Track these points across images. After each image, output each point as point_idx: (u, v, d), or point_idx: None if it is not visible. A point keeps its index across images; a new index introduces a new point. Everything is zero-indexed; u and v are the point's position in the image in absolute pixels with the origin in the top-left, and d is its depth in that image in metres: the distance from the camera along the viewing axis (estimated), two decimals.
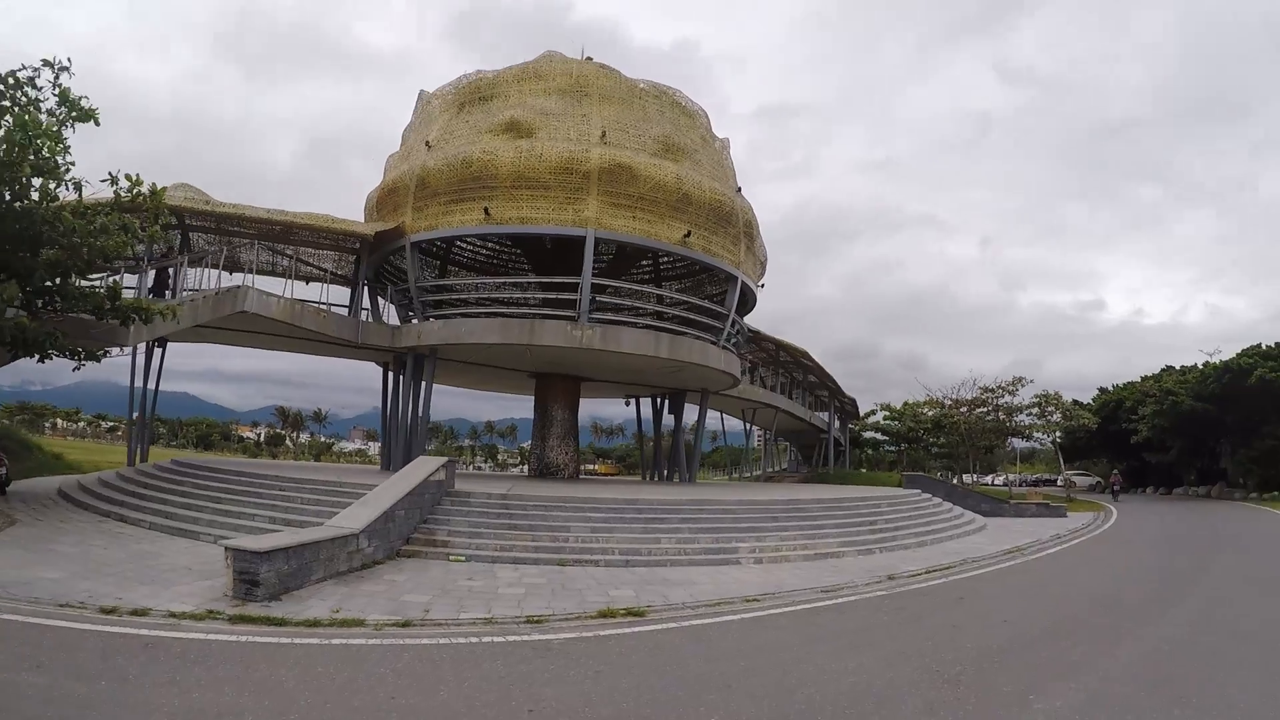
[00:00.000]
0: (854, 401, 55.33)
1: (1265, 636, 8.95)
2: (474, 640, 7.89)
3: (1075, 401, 54.10)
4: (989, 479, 61.59)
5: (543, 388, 29.33)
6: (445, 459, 16.59)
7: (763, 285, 29.94)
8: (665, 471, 35.51)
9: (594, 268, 29.59)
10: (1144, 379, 51.93)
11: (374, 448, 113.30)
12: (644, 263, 32.10)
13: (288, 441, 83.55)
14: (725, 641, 8.20)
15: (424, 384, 26.60)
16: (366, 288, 27.92)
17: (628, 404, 35.51)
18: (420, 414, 26.72)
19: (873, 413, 62.01)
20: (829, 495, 21.31)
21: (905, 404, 53.84)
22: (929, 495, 25.70)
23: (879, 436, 62.31)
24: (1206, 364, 45.62)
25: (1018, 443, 48.02)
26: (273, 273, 29.54)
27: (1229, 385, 42.14)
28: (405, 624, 8.46)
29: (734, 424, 48.92)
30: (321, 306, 26.25)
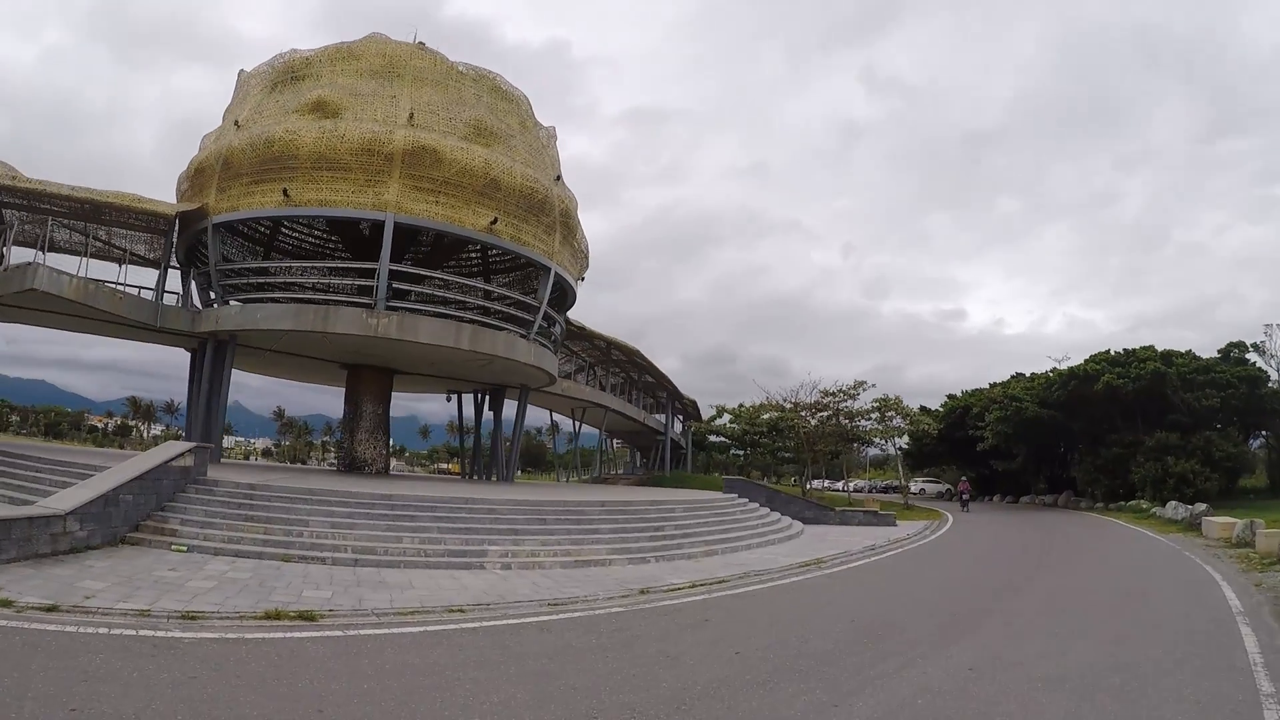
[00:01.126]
0: (694, 404, 54.48)
1: (1046, 698, 6.30)
2: (102, 631, 6.96)
3: (922, 408, 53.64)
4: (840, 485, 60.84)
5: (353, 380, 27.80)
6: (193, 444, 15.19)
7: (582, 279, 28.70)
8: (485, 471, 33.78)
9: (417, 256, 28.11)
10: (992, 385, 50.37)
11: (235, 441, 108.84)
12: (471, 253, 30.79)
13: (136, 432, 79.10)
14: (377, 657, 6.85)
15: (222, 371, 24.55)
16: (181, 271, 26.30)
17: (449, 399, 33.78)
18: (217, 402, 24.67)
19: (716, 416, 59.85)
20: (622, 498, 19.98)
21: (741, 406, 50.40)
22: (746, 501, 24.78)
23: (725, 440, 59.71)
24: (1054, 370, 44.36)
25: (870, 449, 47.02)
26: (93, 255, 27.29)
27: (1075, 391, 41.12)
28: (51, 608, 7.57)
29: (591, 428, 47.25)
30: (119, 288, 24.59)
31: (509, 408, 31.66)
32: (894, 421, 40.04)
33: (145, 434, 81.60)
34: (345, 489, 15.37)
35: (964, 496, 37.89)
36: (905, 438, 44.04)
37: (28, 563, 9.86)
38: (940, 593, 12.71)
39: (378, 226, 24.52)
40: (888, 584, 13.63)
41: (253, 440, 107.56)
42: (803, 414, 38.62)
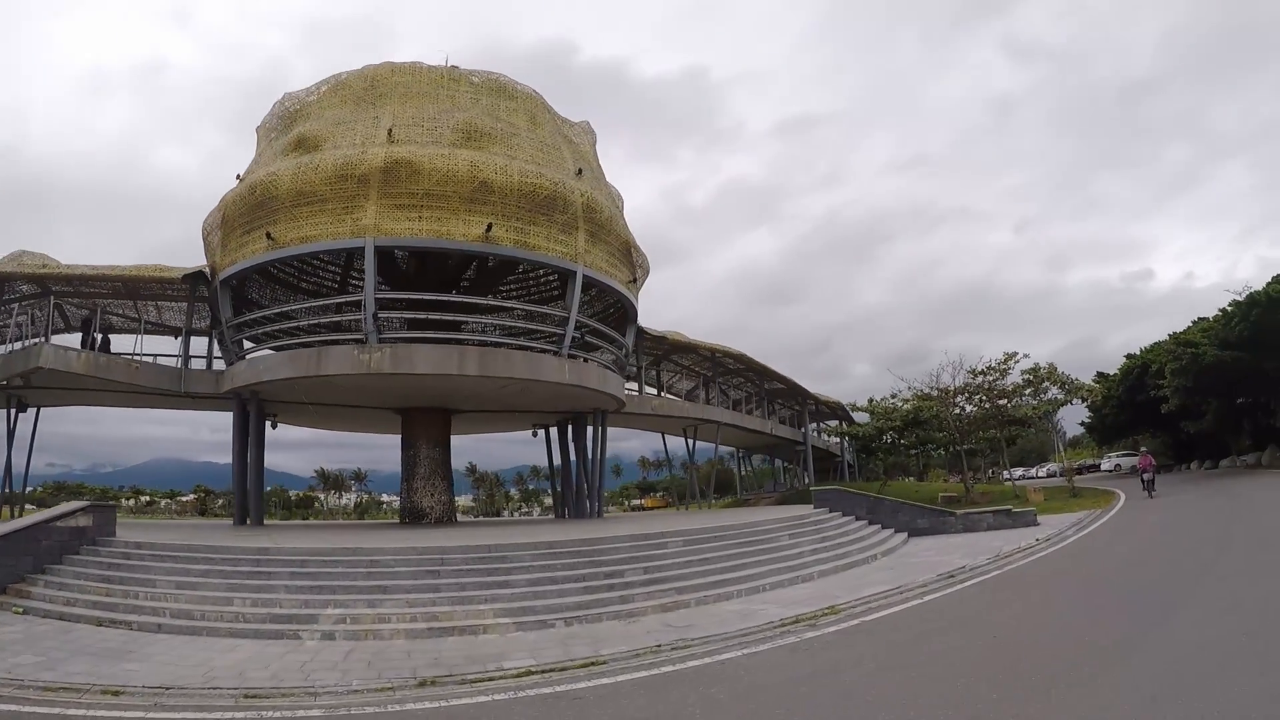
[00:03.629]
0: (840, 405, 45.77)
1: None
2: None
3: (1099, 374, 42.80)
4: (1019, 473, 49.94)
5: (406, 424, 24.14)
6: (86, 504, 13.38)
7: (634, 280, 23.21)
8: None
9: (464, 284, 24.16)
10: (1171, 336, 36.57)
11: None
12: (535, 272, 26.32)
13: (317, 503, 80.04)
14: None
15: (250, 430, 21.90)
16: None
17: (534, 434, 28.83)
18: (251, 460, 21.74)
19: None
20: (602, 534, 14.27)
21: (871, 401, 39.59)
22: (830, 516, 18.56)
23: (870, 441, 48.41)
24: (1232, 304, 32.03)
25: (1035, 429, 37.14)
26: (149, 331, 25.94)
27: (1259, 322, 29.82)
28: None
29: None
30: (134, 358, 22.64)
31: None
32: (1049, 394, 30.62)
33: (329, 502, 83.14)
34: (242, 545, 12.59)
35: (1144, 476, 25.25)
36: (1079, 408, 33.66)
37: None
38: (989, 673, 6.34)
39: (421, 255, 21.95)
40: (907, 655, 7.23)
41: (457, 498, 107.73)
42: (954, 399, 30.68)
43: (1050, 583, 11.07)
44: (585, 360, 22.78)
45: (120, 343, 24.70)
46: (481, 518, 66.87)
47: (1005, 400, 30.04)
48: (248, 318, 21.67)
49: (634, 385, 29.26)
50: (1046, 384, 29.91)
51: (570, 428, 27.09)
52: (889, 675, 6.37)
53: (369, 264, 19.30)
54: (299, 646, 8.82)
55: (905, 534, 18.36)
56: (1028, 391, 29.97)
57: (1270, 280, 29.91)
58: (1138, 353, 40.81)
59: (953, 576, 11.66)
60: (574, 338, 23.02)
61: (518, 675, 7.10)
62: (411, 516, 22.97)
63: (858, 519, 19.04)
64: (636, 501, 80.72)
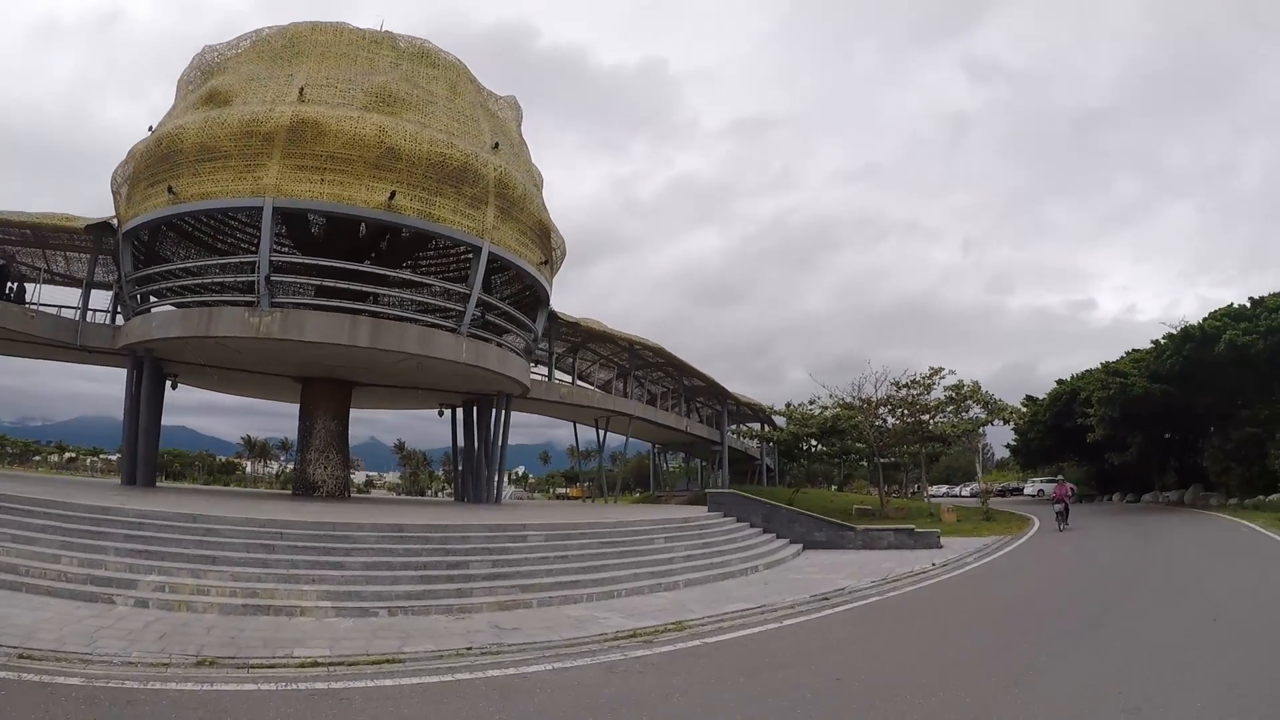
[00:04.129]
0: (761, 408, 45.15)
1: None
2: None
3: (1028, 398, 42.48)
4: (959, 490, 49.80)
5: (306, 394, 23.45)
6: None
7: (547, 263, 22.39)
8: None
9: (375, 255, 23.40)
10: (1103, 365, 35.83)
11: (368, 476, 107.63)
12: (435, 248, 25.56)
13: (239, 469, 78.48)
14: None
15: (145, 390, 21.58)
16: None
17: (440, 414, 27.82)
18: (143, 420, 20.80)
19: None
20: (460, 520, 13.58)
21: (788, 406, 38.29)
22: (728, 520, 18.23)
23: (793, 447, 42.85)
24: (1167, 336, 31.07)
25: (954, 446, 36.51)
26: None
27: (1192, 358, 29.12)
28: None
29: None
30: (31, 308, 21.81)
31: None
32: (970, 412, 30.03)
33: (253, 469, 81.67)
34: (85, 503, 11.98)
35: (1057, 507, 23.36)
36: (986, 426, 32.89)
37: None
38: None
39: (335, 220, 21.12)
40: (727, 690, 6.21)
41: (385, 474, 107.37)
42: (877, 410, 30.11)
43: (931, 615, 10.10)
44: (491, 342, 21.97)
45: (55, 295, 23.72)
46: (401, 495, 65.75)
47: (927, 416, 29.54)
48: (144, 273, 20.70)
49: (543, 371, 28.45)
50: (969, 402, 29.28)
51: (475, 410, 26.19)
52: (693, 714, 5.59)
53: (266, 225, 18.70)
54: (107, 611, 8.40)
55: (800, 546, 17.98)
56: (949, 409, 29.35)
57: (1207, 315, 29.55)
58: (1069, 379, 40.41)
59: (826, 599, 10.94)
60: (484, 319, 22.41)
61: (300, 665, 6.65)
62: (303, 488, 22.28)
63: (752, 526, 18.72)
64: (562, 490, 79.79)
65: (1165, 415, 32.59)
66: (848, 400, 30.86)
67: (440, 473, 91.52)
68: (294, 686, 5.97)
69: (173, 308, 21.22)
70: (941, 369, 29.69)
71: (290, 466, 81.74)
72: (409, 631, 8.22)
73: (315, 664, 6.68)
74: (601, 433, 33.37)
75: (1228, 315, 29.05)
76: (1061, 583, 12.66)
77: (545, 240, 22.74)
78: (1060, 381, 42.10)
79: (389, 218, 19.11)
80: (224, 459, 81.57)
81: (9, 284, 21.73)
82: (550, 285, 23.92)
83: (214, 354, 20.77)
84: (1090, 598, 10.74)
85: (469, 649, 7.42)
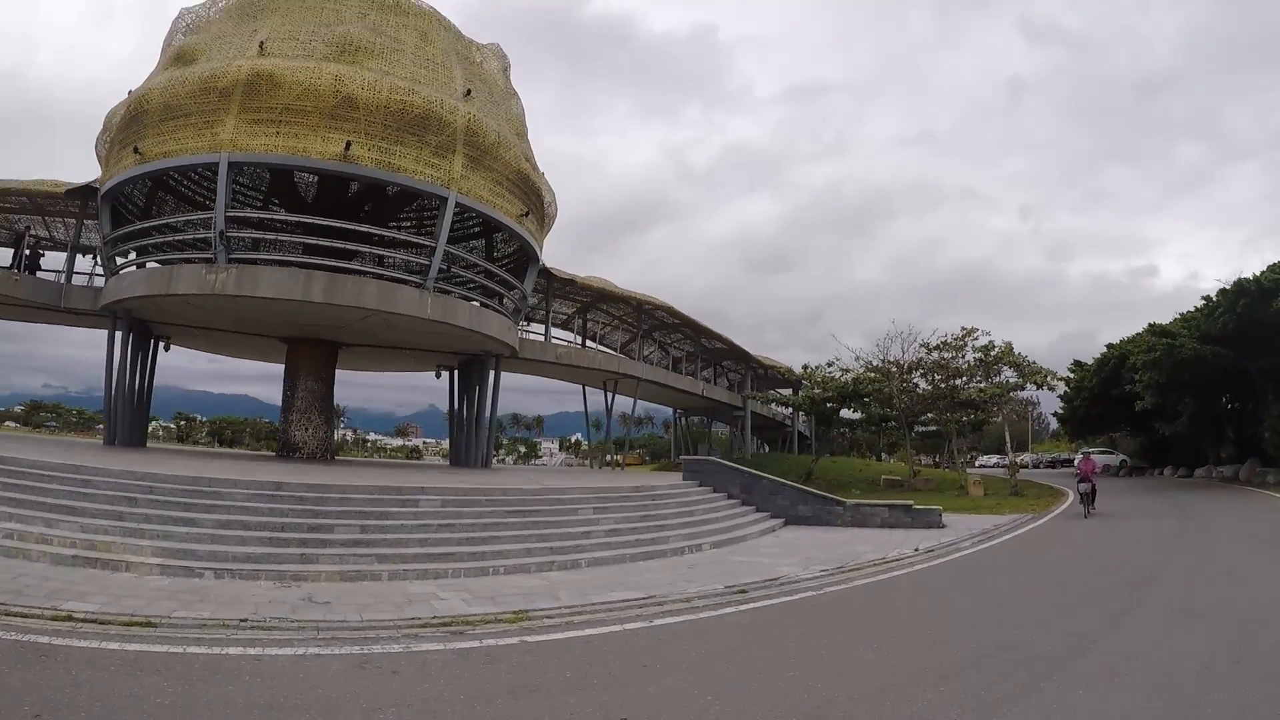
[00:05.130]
0: (790, 371, 41.31)
1: None
2: None
3: (1075, 362, 38.75)
4: (997, 460, 46.28)
5: (290, 355, 22.94)
6: None
7: (527, 214, 20.93)
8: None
9: (366, 210, 22.68)
10: (1150, 325, 30.92)
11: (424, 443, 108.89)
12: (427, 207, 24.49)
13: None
14: None
15: (127, 348, 21.36)
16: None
17: (438, 376, 26.63)
18: (138, 384, 20.52)
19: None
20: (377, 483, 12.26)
21: (806, 369, 34.48)
22: (704, 490, 16.84)
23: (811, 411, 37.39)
24: (1220, 291, 26.77)
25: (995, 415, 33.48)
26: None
27: (1246, 315, 25.07)
28: None
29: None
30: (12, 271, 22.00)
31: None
32: (1001, 375, 26.98)
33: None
34: None
35: (1082, 487, 18.98)
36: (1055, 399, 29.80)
37: None
38: None
39: (326, 178, 20.66)
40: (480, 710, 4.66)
41: (442, 441, 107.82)
42: (907, 375, 27.80)
43: (855, 628, 7.46)
44: (473, 300, 20.77)
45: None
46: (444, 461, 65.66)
47: (959, 380, 26.93)
48: (117, 234, 20.40)
49: (539, 331, 27.08)
50: (1001, 365, 26.45)
51: (467, 372, 25.22)
52: None
53: (221, 180, 18.16)
54: None
55: (780, 521, 16.32)
56: (979, 373, 26.63)
57: (1266, 269, 25.68)
58: (1118, 342, 36.07)
59: (744, 592, 8.77)
60: (470, 279, 21.22)
61: (54, 618, 6.10)
62: (285, 449, 21.98)
63: (730, 498, 17.18)
64: (615, 458, 78.78)
65: (1220, 380, 28.92)
66: (875, 364, 28.54)
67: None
68: (12, 637, 5.48)
69: (150, 267, 20.77)
70: (975, 329, 27.00)
71: (349, 434, 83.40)
72: (214, 596, 7.34)
73: (70, 618, 6.08)
74: (610, 395, 31.83)
75: None
76: (1052, 589, 9.59)
77: (525, 191, 21.30)
78: (1110, 346, 37.56)
79: (344, 168, 18.23)
80: (272, 424, 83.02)
81: (24, 251, 22.15)
82: (539, 241, 22.66)
83: (187, 313, 20.54)
84: (1076, 616, 7.66)
85: (242, 621, 6.44)
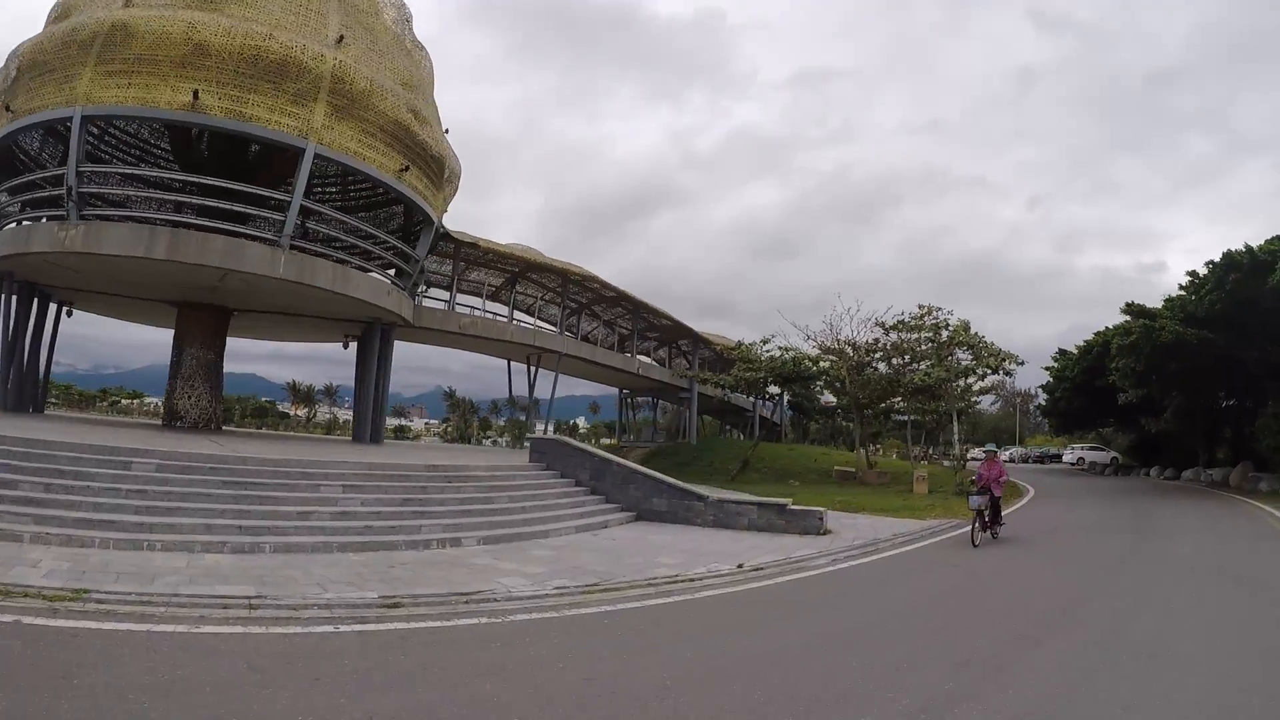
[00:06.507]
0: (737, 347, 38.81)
1: None
2: None
3: (1060, 351, 35.32)
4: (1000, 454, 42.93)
5: (180, 321, 22.25)
6: None
7: (406, 169, 19.65)
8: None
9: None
10: (1128, 304, 26.45)
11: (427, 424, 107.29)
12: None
13: (272, 415, 77.98)
14: None
15: (10, 310, 21.10)
16: None
17: (345, 346, 25.27)
18: (11, 344, 19.73)
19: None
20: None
21: (740, 345, 31.44)
22: (545, 475, 15.26)
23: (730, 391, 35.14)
24: (1208, 264, 23.10)
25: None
26: None
27: (1237, 294, 21.50)
28: None
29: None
30: None
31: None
32: (951, 358, 23.92)
33: (296, 414, 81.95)
34: None
35: (974, 502, 12.81)
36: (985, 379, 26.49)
37: None
38: None
39: (220, 135, 19.49)
40: None
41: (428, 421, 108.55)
42: (868, 356, 25.50)
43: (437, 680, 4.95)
44: (348, 263, 19.40)
45: None
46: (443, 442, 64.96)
47: (912, 361, 24.38)
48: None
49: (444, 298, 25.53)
50: (955, 347, 23.76)
51: (366, 342, 23.88)
52: None
53: (74, 136, 17.57)
54: None
55: (632, 514, 14.40)
56: (930, 353, 23.98)
57: (1267, 240, 22.10)
58: (1106, 329, 32.03)
59: (397, 606, 6.55)
60: (355, 245, 19.94)
61: None
62: (169, 418, 21.40)
63: (579, 484, 15.35)
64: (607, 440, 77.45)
65: (1213, 372, 25.28)
66: (830, 345, 26.19)
67: (490, 420, 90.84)
68: None
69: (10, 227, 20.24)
70: (937, 308, 24.28)
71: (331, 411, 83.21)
72: None
73: None
74: (533, 370, 30.10)
75: None
76: (849, 656, 5.92)
77: (412, 146, 19.97)
78: (1097, 332, 33.25)
79: (191, 118, 17.62)
80: (264, 401, 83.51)
81: None
82: (432, 202, 21.38)
83: (67, 275, 20.27)
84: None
85: None
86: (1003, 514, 14.88)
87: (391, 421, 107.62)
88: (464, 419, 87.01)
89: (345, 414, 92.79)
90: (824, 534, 13.25)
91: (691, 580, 8.90)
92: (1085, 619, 7.66)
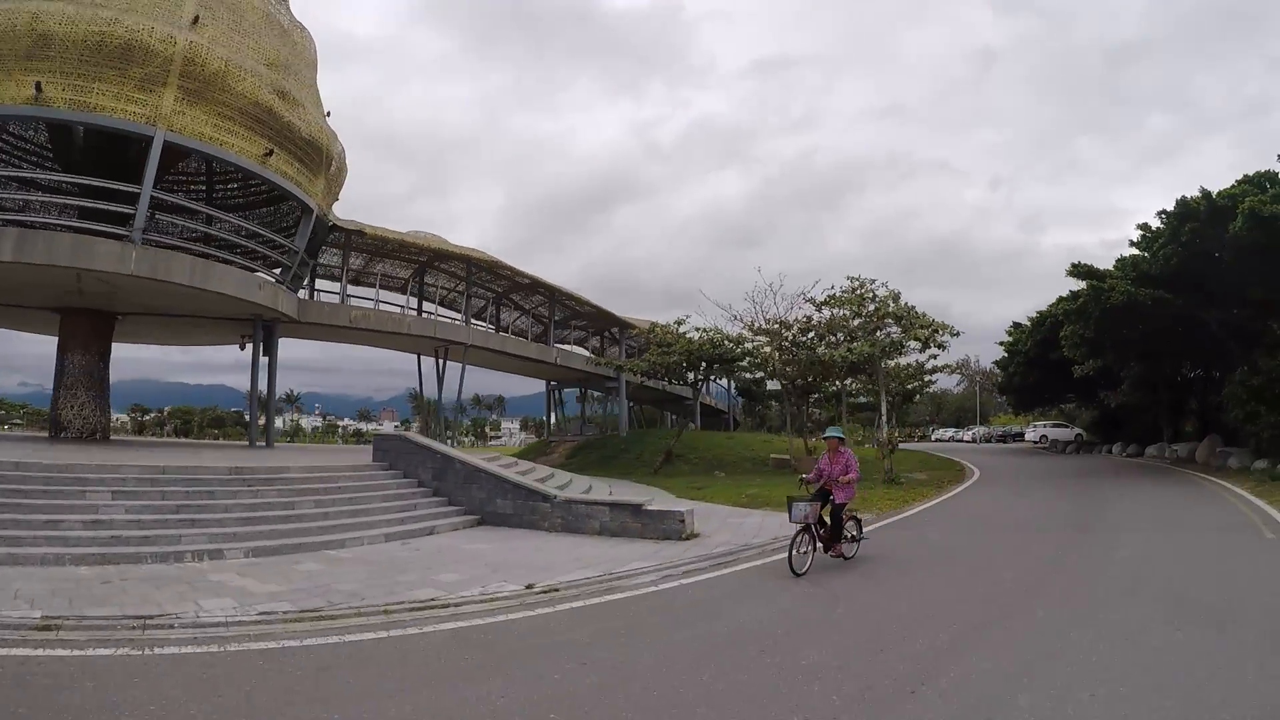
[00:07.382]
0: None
1: None
2: None
3: (1015, 325, 33.58)
4: (962, 435, 41.29)
5: (63, 327, 21.19)
6: None
7: (271, 154, 18.72)
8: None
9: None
10: (1074, 265, 23.99)
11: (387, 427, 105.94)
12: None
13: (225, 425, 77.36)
14: None
15: None
16: None
17: (242, 348, 23.95)
18: None
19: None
20: None
21: (654, 327, 29.92)
22: (386, 474, 14.24)
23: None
24: (1161, 214, 20.78)
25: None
26: None
27: (1194, 246, 19.30)
28: None
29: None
30: None
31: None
32: (882, 332, 22.01)
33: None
34: None
35: (796, 514, 8.74)
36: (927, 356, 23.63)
37: None
38: None
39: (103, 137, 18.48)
40: None
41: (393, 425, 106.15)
42: (801, 335, 24.18)
43: None
44: (211, 257, 18.29)
45: None
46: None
47: (848, 338, 22.86)
48: None
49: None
50: (889, 321, 22.11)
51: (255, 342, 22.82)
52: None
53: None
54: None
55: (475, 518, 13.16)
56: (855, 325, 22.39)
57: (1221, 190, 19.66)
58: (1060, 299, 30.08)
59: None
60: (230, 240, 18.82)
61: None
62: (54, 429, 20.42)
63: (420, 485, 14.18)
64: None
65: (1172, 337, 23.11)
66: (759, 325, 24.83)
67: (464, 422, 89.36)
68: None
69: None
70: (873, 280, 22.57)
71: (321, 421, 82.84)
72: None
73: None
74: (441, 364, 28.98)
75: (1249, 182, 19.27)
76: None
77: (277, 129, 18.89)
78: (1052, 304, 30.44)
79: (35, 112, 17.02)
80: (229, 411, 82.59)
81: None
82: (308, 190, 20.18)
83: None
84: None
85: None
86: (906, 510, 13.47)
87: (353, 425, 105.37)
88: (426, 420, 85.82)
89: (312, 420, 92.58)
90: (687, 538, 11.62)
91: (447, 606, 7.30)
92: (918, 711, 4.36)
